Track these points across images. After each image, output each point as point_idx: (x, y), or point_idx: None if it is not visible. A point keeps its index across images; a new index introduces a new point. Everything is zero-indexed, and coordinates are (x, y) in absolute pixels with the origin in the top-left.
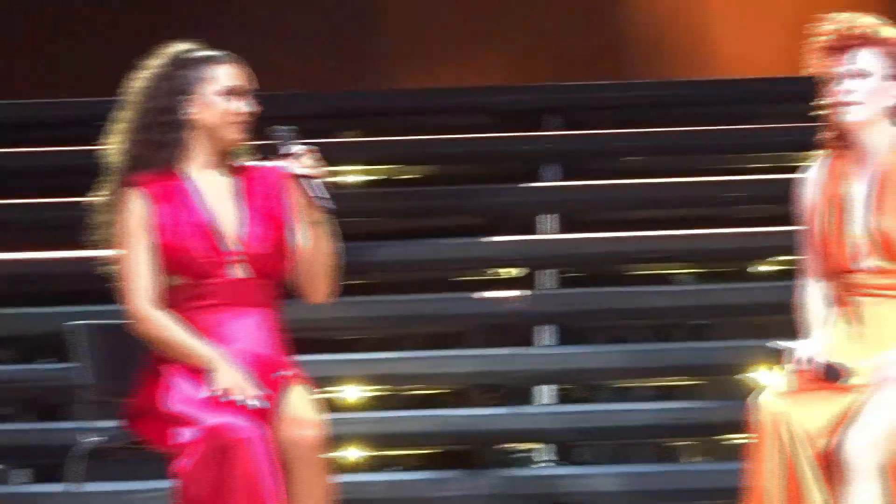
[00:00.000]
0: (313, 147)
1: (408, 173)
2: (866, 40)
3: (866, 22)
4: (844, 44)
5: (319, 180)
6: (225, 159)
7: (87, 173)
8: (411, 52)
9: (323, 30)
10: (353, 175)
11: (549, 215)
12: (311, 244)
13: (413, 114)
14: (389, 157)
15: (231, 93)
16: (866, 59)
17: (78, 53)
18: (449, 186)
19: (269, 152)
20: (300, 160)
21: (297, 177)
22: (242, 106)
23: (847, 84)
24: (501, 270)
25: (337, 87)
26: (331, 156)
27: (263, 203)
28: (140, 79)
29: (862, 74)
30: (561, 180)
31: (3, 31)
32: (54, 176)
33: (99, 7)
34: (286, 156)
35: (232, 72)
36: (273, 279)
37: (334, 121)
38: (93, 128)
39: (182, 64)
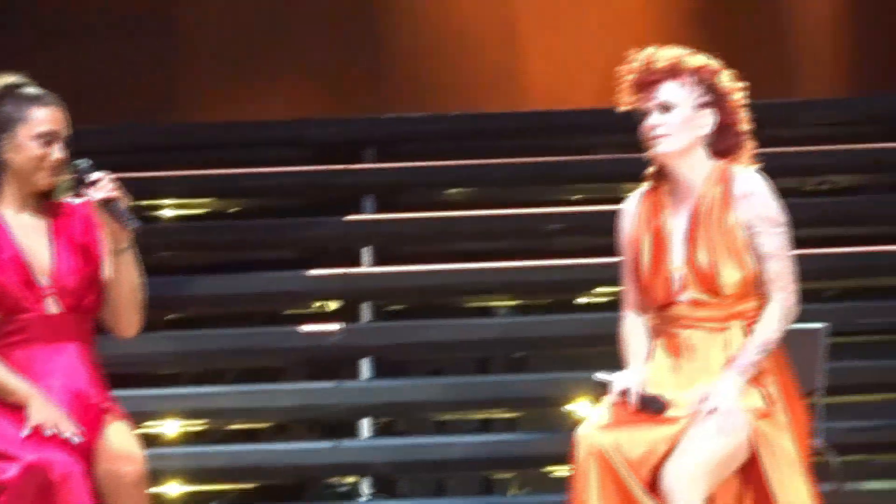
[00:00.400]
0: (110, 173)
1: (226, 207)
2: (669, 73)
3: (669, 54)
4: (649, 78)
5: (121, 203)
6: (38, 198)
7: None
8: (226, 84)
9: (138, 63)
10: (170, 209)
11: (365, 248)
12: (118, 275)
13: (230, 147)
14: (207, 190)
15: (45, 137)
16: (670, 91)
17: None
18: (267, 220)
19: (74, 187)
20: (100, 186)
21: (100, 202)
22: (55, 151)
23: (654, 118)
24: (320, 303)
25: (152, 121)
26: (148, 189)
27: (75, 238)
28: None
29: (666, 107)
30: (377, 212)
31: None
32: None
33: None
34: (87, 185)
35: (49, 115)
36: (86, 313)
37: (150, 154)
38: None
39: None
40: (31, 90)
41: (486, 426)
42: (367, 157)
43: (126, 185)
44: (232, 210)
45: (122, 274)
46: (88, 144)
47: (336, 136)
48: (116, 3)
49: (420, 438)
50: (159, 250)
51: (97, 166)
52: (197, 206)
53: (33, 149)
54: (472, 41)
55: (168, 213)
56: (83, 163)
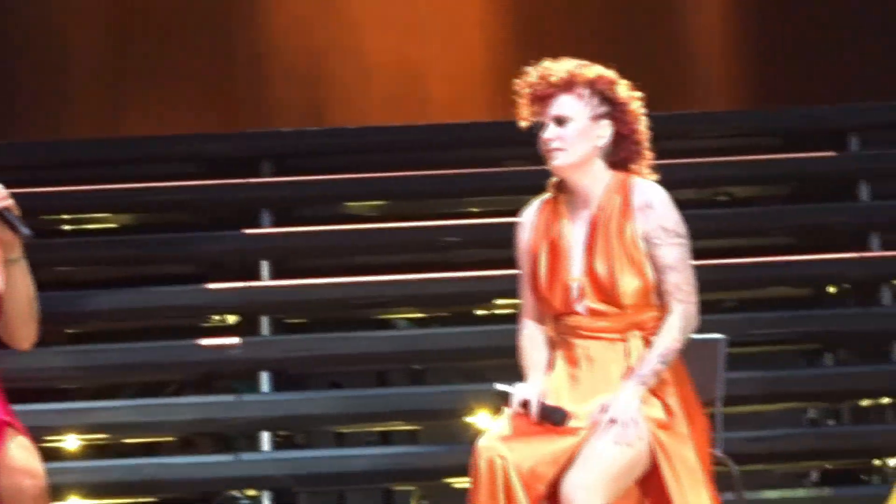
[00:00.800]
0: None
1: (123, 222)
2: (564, 86)
3: (564, 67)
4: (544, 92)
5: (12, 212)
6: None
7: None
8: (109, 99)
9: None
10: (68, 224)
11: (263, 261)
12: (11, 287)
13: (127, 162)
14: (105, 205)
15: None
16: (565, 104)
17: None
18: (164, 234)
19: None
20: None
21: None
22: None
23: (549, 131)
24: (219, 317)
25: (44, 137)
26: (46, 205)
27: None
28: None
29: (561, 120)
30: (274, 226)
31: None
32: None
33: None
34: None
35: None
36: None
37: (46, 171)
38: None
39: None
40: None
41: (386, 439)
42: (263, 171)
43: (23, 200)
44: (129, 225)
45: (16, 285)
46: None
47: (233, 150)
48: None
49: (320, 451)
50: (58, 265)
51: None
52: (95, 222)
53: None
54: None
55: (66, 227)
56: None
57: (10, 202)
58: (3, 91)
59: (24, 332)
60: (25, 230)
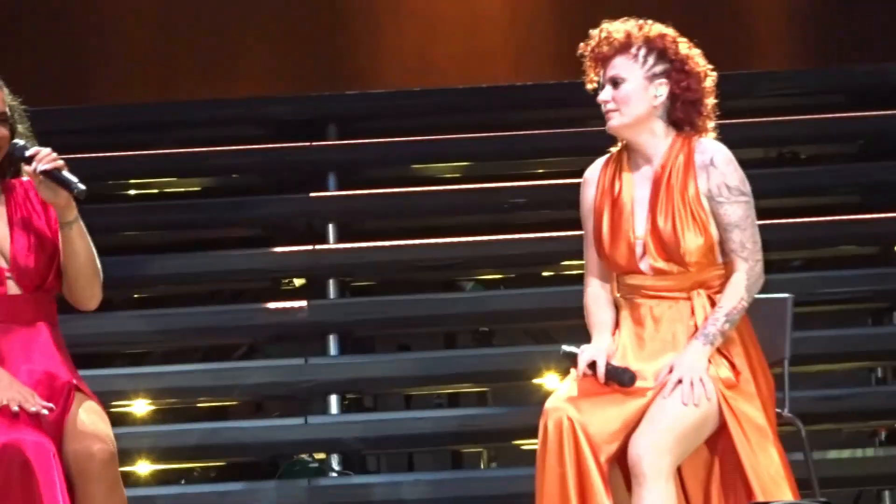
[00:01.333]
0: (44, 147)
1: (186, 185)
2: (621, 47)
3: (622, 28)
4: (603, 53)
5: (64, 171)
6: None
7: None
8: (184, 62)
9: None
10: (134, 189)
11: (329, 224)
12: (70, 249)
13: (190, 126)
14: (167, 169)
15: None
16: (620, 65)
17: None
18: (231, 198)
19: (14, 165)
20: (39, 158)
21: (43, 174)
22: None
23: (605, 93)
24: (285, 281)
25: (110, 100)
26: (112, 170)
27: (29, 216)
28: None
29: (616, 81)
30: (340, 189)
31: None
32: None
33: None
34: (26, 161)
35: None
36: (47, 292)
37: (112, 135)
38: None
39: None
40: None
41: (454, 401)
42: (329, 133)
43: (90, 165)
44: (196, 188)
45: (75, 247)
46: (48, 126)
47: (297, 113)
48: None
49: (388, 414)
50: (125, 229)
51: (57, 147)
52: (161, 186)
53: None
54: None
55: (133, 192)
56: (19, 141)
57: (59, 162)
58: (69, 54)
59: (88, 293)
60: (80, 186)
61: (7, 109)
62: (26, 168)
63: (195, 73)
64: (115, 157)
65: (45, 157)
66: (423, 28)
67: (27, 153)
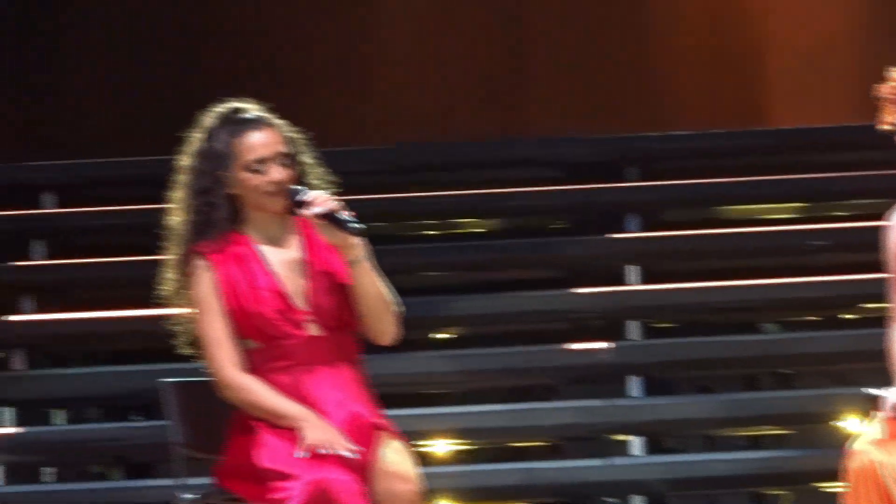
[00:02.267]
0: (321, 190)
1: (486, 226)
2: None
3: None
4: None
5: (343, 213)
6: (279, 219)
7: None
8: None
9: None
10: (432, 229)
11: (629, 266)
12: (360, 287)
13: (488, 166)
14: (468, 209)
15: (258, 164)
16: None
17: (149, 111)
18: (527, 238)
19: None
20: (316, 202)
21: (322, 217)
22: (272, 173)
23: None
24: (586, 322)
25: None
26: (407, 210)
27: (322, 256)
28: (190, 144)
29: None
30: (640, 231)
31: (75, 90)
32: (131, 234)
33: (172, 64)
34: (305, 205)
35: (255, 142)
36: (346, 332)
37: (404, 175)
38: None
39: (213, 136)
40: (239, 117)
41: (755, 442)
42: (630, 174)
43: (384, 206)
44: (495, 229)
45: (363, 284)
46: (341, 166)
47: (596, 154)
48: None
49: (691, 455)
50: (424, 269)
51: (349, 187)
52: (460, 226)
53: (250, 179)
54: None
55: (431, 232)
56: (294, 187)
57: (334, 203)
58: (352, 97)
59: (380, 328)
60: (356, 226)
61: (288, 149)
62: (303, 213)
63: (482, 112)
64: (416, 197)
65: (320, 201)
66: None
67: (304, 198)
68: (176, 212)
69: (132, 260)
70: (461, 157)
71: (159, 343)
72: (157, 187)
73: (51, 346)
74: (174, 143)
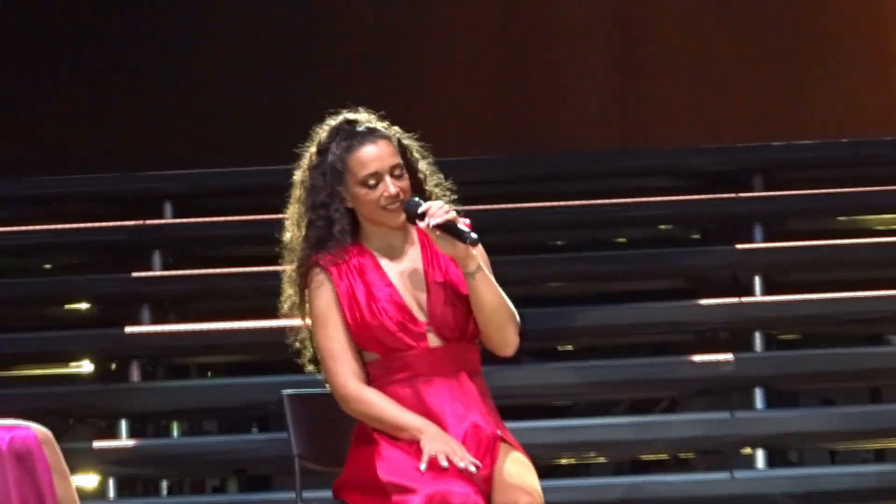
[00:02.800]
0: (438, 200)
1: (611, 237)
2: None
3: None
4: None
5: (456, 223)
6: (397, 231)
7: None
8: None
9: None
10: (557, 239)
11: (755, 276)
12: (476, 298)
13: (611, 176)
14: (591, 221)
15: (371, 179)
16: None
17: (268, 119)
18: (651, 249)
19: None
20: (430, 214)
21: (438, 229)
22: (388, 188)
23: None
24: (710, 334)
25: (522, 151)
26: (536, 220)
27: (442, 267)
28: (304, 159)
29: None
30: (766, 241)
31: (182, 103)
32: (250, 243)
33: (275, 73)
34: (420, 217)
35: (368, 156)
36: (467, 342)
37: (530, 184)
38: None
39: (327, 151)
40: (352, 129)
41: (880, 456)
42: (754, 184)
43: (511, 216)
44: (620, 239)
45: (480, 295)
46: (474, 176)
47: (720, 164)
48: None
49: (814, 469)
50: (549, 280)
51: (472, 198)
52: (585, 237)
53: (365, 195)
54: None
55: (558, 242)
56: (410, 199)
57: (451, 214)
58: (467, 106)
59: (500, 339)
60: (472, 236)
61: (402, 160)
62: (420, 224)
63: (603, 123)
64: (539, 207)
65: (437, 212)
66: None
67: (419, 210)
68: (292, 227)
69: (251, 271)
70: (586, 166)
71: (277, 354)
72: (276, 196)
73: (168, 358)
74: (293, 152)
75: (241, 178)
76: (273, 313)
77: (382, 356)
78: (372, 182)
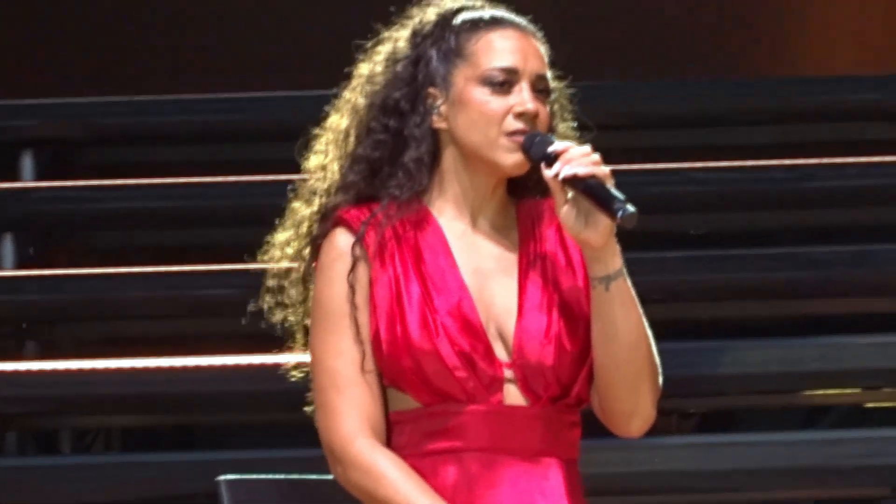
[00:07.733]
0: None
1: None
2: None
3: None
4: None
5: (604, 183)
6: (495, 196)
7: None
8: None
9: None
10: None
11: None
12: (604, 324)
13: None
14: None
15: (505, 75)
16: None
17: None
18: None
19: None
20: (566, 159)
21: (570, 183)
22: (525, 100)
23: None
24: None
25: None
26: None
27: (554, 272)
28: (370, 59)
29: None
30: None
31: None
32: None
33: None
34: (546, 161)
35: (505, 44)
36: (569, 408)
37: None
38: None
39: (431, 35)
40: (477, 15)
41: None
42: None
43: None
44: None
45: (612, 320)
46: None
47: None
48: None
49: None
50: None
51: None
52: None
53: (483, 102)
54: None
55: None
56: (536, 134)
57: (602, 169)
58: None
59: (627, 405)
60: (629, 209)
61: (549, 76)
62: (546, 172)
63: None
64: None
65: (577, 158)
66: None
67: (549, 149)
68: (325, 148)
69: (178, 270)
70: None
71: (212, 410)
72: (230, 145)
73: (25, 417)
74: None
75: (165, 111)
76: (213, 345)
77: (424, 404)
78: (502, 81)
